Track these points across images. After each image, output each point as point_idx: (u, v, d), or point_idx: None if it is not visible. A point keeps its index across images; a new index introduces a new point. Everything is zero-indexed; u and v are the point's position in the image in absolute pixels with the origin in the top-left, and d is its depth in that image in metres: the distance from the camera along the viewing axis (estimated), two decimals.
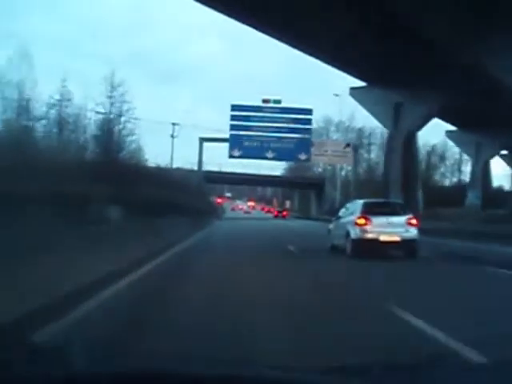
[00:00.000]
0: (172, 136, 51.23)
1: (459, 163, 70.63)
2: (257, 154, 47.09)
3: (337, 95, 53.29)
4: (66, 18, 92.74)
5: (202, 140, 48.33)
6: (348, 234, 13.00)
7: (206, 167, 56.42)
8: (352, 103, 41.67)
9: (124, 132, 41.90)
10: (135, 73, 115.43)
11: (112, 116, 41.44)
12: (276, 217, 68.77)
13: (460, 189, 57.12)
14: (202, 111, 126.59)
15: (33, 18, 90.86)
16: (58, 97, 39.47)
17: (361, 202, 14.12)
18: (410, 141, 38.17)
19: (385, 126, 40.25)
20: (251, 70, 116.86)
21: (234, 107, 47.24)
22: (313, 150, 47.33)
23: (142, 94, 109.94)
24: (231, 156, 47.47)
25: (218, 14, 28.75)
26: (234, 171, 60.91)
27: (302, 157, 47.48)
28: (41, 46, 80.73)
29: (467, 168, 65.54)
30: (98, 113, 40.84)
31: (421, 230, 21.60)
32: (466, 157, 64.44)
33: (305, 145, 47.02)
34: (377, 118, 39.98)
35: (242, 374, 1.48)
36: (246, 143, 46.93)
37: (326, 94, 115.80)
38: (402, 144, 37.71)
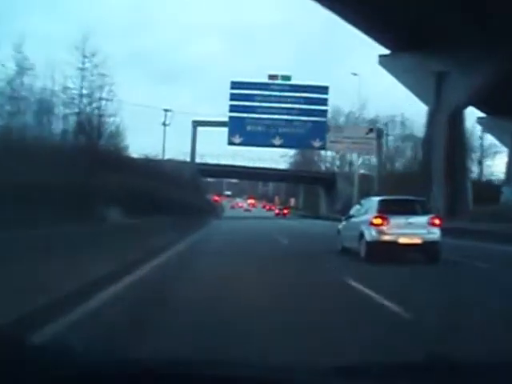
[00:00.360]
0: (164, 124, 45.05)
1: (481, 156, 63.19)
2: (262, 140, 39.37)
3: (355, 74, 45.98)
4: (65, 17, 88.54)
5: (196, 124, 40.50)
6: (362, 235, 11.96)
7: (202, 160, 49.40)
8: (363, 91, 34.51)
9: (103, 113, 34.10)
10: (135, 73, 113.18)
11: (84, 92, 33.56)
12: (277, 215, 64.18)
13: (486, 184, 50.34)
14: (201, 110, 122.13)
15: (32, 17, 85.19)
16: (13, 66, 31.12)
17: (376, 199, 13.16)
18: (456, 119, 30.70)
19: (423, 100, 32.85)
20: (254, 66, 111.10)
21: (235, 85, 39.55)
22: (328, 136, 39.64)
23: (140, 94, 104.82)
24: (231, 143, 39.77)
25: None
26: (233, 164, 53.46)
27: (316, 144, 39.77)
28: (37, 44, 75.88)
29: (493, 161, 59.11)
30: (66, 88, 33.03)
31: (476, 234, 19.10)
32: (492, 149, 57.58)
33: (319, 129, 39.31)
34: (412, 90, 32.71)
35: (242, 374, 1.49)
36: (249, 127, 39.23)
37: (333, 83, 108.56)
38: (447, 122, 30.21)
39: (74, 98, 34.17)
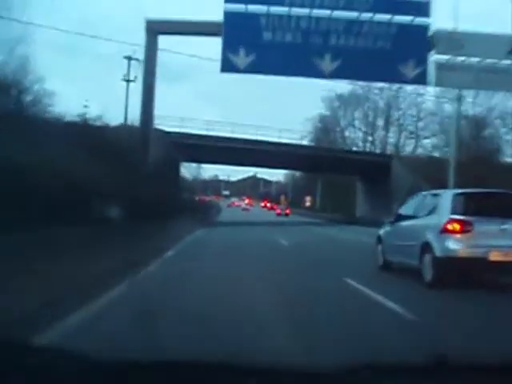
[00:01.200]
0: (127, 80, 32.05)
1: None
2: (294, 62, 18.75)
3: None
4: (65, 16, 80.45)
5: (155, 28, 19.62)
6: (427, 246, 8.26)
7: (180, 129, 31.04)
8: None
9: None
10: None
11: None
12: (279, 215, 58.38)
13: None
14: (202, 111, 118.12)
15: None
16: None
17: (451, 192, 9.55)
18: None
19: None
20: None
21: None
22: (433, 57, 19.13)
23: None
24: (228, 67, 19.13)
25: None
26: (229, 136, 33.49)
27: (409, 71, 19.01)
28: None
29: None
30: None
31: None
32: None
33: (414, 42, 18.83)
34: None
35: (242, 375, 1.50)
36: (267, 35, 18.73)
37: None
38: None
39: None
